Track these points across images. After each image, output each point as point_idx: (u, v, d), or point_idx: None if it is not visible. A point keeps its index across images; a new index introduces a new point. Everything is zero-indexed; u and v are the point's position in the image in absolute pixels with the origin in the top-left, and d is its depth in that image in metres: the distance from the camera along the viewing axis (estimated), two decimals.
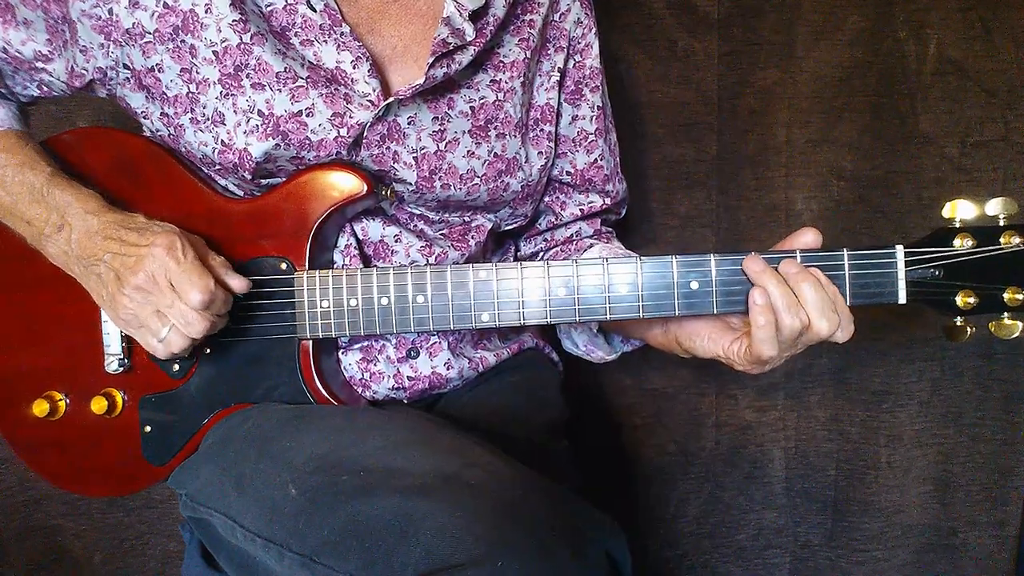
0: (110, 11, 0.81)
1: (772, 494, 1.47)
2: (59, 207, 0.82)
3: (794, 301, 0.77)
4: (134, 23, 0.81)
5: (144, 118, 0.89)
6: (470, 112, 0.91)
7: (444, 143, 0.90)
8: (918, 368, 1.42)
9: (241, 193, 0.90)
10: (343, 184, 0.85)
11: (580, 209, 1.06)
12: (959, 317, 0.81)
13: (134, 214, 0.82)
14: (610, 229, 1.12)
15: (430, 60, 0.84)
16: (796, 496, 1.47)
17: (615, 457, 1.46)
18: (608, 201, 1.07)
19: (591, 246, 1.05)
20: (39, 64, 0.87)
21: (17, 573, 1.44)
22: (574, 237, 1.08)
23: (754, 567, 1.50)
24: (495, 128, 0.93)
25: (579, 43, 1.00)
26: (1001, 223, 0.79)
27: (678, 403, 1.45)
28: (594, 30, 1.01)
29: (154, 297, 0.78)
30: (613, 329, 1.07)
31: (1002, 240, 0.78)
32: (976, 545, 1.46)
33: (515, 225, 1.04)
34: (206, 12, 0.81)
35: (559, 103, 1.00)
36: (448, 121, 0.90)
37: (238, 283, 0.82)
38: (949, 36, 1.34)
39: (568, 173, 1.04)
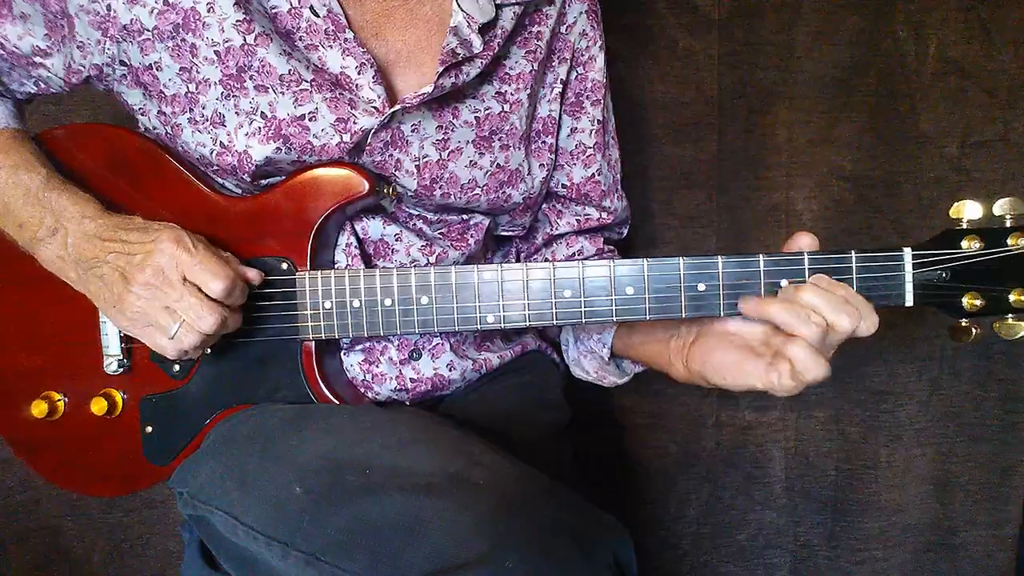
0: (108, 7, 0.80)
1: (772, 494, 1.47)
2: (54, 210, 0.80)
3: (802, 311, 0.75)
4: (132, 19, 0.80)
5: (141, 115, 0.88)
6: (475, 122, 0.90)
7: (447, 152, 0.89)
8: (917, 368, 1.42)
9: (240, 191, 0.89)
10: (344, 182, 0.84)
11: (576, 220, 1.05)
12: (964, 318, 0.80)
13: (132, 216, 0.81)
14: (612, 248, 1.10)
15: (439, 69, 0.83)
16: (796, 496, 1.47)
17: (615, 457, 1.46)
18: (606, 217, 1.06)
19: None
20: (37, 59, 0.85)
21: (17, 573, 1.43)
22: (576, 255, 1.06)
23: (754, 567, 1.50)
24: (499, 139, 0.92)
25: (583, 55, 0.99)
26: (1008, 224, 0.78)
27: (678, 403, 1.45)
28: (599, 43, 1.00)
29: (162, 292, 0.76)
30: (626, 356, 1.04)
31: (1010, 241, 0.77)
32: (976, 545, 1.47)
33: (512, 233, 1.03)
34: (208, 11, 0.80)
35: (559, 114, 0.99)
36: (452, 130, 0.89)
37: (253, 274, 0.81)
38: (949, 36, 1.34)
39: (564, 186, 1.03)
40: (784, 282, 0.79)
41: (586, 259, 1.06)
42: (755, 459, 1.46)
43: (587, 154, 1.02)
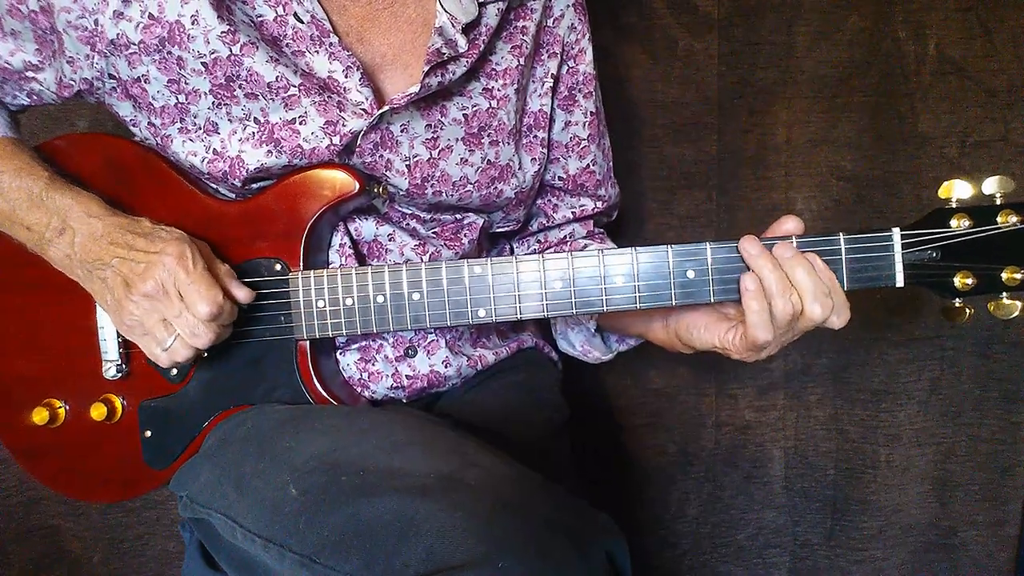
0: (95, 22, 0.80)
1: (771, 494, 1.47)
2: (59, 211, 0.81)
3: (787, 285, 0.77)
4: (119, 34, 0.81)
5: (133, 126, 0.89)
6: (463, 119, 0.91)
7: (437, 151, 0.90)
8: (917, 367, 1.42)
9: (233, 195, 0.89)
10: (335, 183, 0.84)
11: (572, 212, 1.06)
12: (958, 298, 0.80)
13: (139, 218, 0.82)
14: (601, 230, 1.12)
15: (425, 69, 0.84)
16: (795, 496, 1.47)
17: (615, 457, 1.46)
18: (600, 205, 1.07)
19: (585, 247, 1.06)
20: (29, 74, 0.86)
21: (17, 573, 1.44)
22: (567, 238, 1.08)
23: (754, 566, 1.50)
24: (488, 135, 0.92)
25: (573, 49, 1.00)
26: (998, 201, 0.77)
27: (678, 403, 1.45)
28: (587, 35, 1.00)
29: (162, 306, 0.78)
30: (610, 328, 1.07)
31: (999, 219, 0.77)
32: (975, 544, 1.47)
33: (507, 228, 1.04)
34: (192, 24, 0.80)
35: (552, 109, 0.99)
36: (441, 129, 0.90)
37: (243, 294, 0.83)
38: (949, 36, 1.34)
39: (560, 178, 1.04)
40: (791, 224, 0.80)
41: (579, 241, 1.08)
42: (754, 459, 1.46)
43: (582, 146, 1.03)
